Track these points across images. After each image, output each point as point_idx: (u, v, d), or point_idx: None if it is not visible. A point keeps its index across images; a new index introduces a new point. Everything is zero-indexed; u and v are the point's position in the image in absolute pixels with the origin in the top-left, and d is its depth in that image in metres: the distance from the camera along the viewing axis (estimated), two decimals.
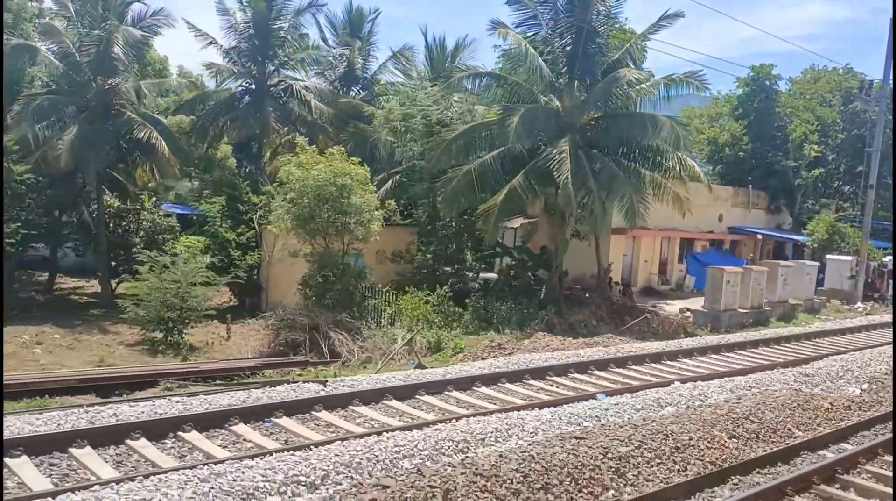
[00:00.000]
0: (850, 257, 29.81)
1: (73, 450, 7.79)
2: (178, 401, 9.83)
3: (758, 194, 35.81)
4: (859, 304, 28.08)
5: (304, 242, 21.55)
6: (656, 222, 27.06)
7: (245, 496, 6.26)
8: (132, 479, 6.74)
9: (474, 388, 11.18)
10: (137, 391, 13.14)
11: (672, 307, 25.63)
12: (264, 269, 25.58)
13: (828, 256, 30.47)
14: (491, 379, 11.55)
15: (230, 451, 8.03)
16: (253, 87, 30.30)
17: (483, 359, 14.40)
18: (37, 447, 7.75)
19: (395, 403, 10.10)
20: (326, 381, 11.14)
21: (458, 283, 25.32)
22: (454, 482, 6.36)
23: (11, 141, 22.18)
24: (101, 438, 8.24)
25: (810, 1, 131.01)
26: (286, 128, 30.39)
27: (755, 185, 35.99)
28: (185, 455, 7.99)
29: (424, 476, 6.47)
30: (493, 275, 27.26)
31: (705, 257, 32.35)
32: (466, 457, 7.30)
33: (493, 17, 34.39)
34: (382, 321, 21.21)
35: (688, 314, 23.87)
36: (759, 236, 33.36)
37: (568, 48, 21.48)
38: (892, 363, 14.84)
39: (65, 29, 24.40)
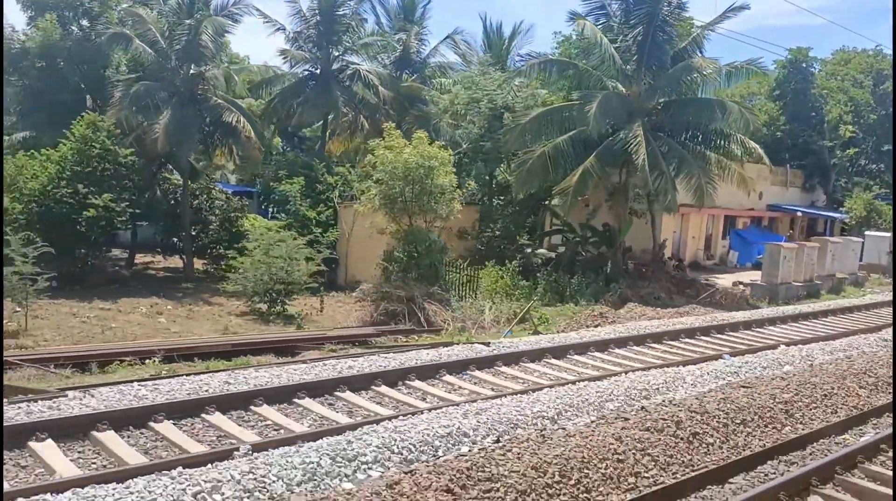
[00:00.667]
0: (888, 234, 31.26)
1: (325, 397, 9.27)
2: (356, 361, 11.25)
3: (794, 173, 37.16)
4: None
5: (389, 220, 22.96)
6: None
7: (513, 424, 7.77)
8: (401, 416, 8.22)
9: (610, 350, 12.69)
10: (287, 356, 14.64)
11: (723, 281, 27.07)
12: (342, 245, 27.05)
13: (867, 232, 31.91)
14: (621, 343, 13.07)
15: (461, 396, 9.51)
16: (318, 71, 31.53)
17: (594, 327, 15.87)
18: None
19: (553, 361, 11.61)
20: (489, 343, 12.68)
21: (521, 259, 26.80)
22: (678, 416, 7.88)
23: (110, 123, 23.55)
24: (317, 390, 9.61)
25: None
26: (352, 112, 31.59)
27: (791, 164, 37.33)
28: (426, 398, 9.45)
29: (651, 413, 7.99)
30: (542, 251, 28.67)
31: (747, 233, 33.83)
32: (667, 398, 8.83)
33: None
34: (465, 293, 22.80)
35: (742, 286, 25.38)
36: (799, 214, 34.77)
37: (639, 38, 22.72)
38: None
39: (151, 17, 25.63)
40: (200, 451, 7.01)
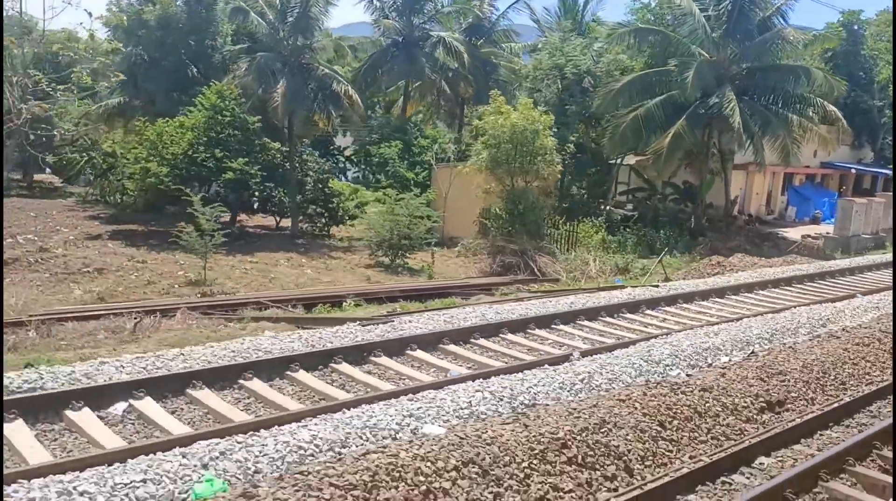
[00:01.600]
0: None
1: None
2: (542, 302, 13.15)
3: (844, 131, 38.64)
4: None
5: (494, 180, 24.80)
6: (770, 159, 30.22)
7: (745, 342, 9.77)
8: (660, 335, 10.19)
9: (757, 291, 14.61)
10: (437, 300, 16.59)
11: (791, 234, 28.91)
12: (438, 204, 28.93)
13: None
14: (763, 285, 14.99)
15: (673, 324, 11.45)
16: (401, 40, 33.07)
17: (715, 275, 17.81)
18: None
19: (718, 299, 13.56)
20: (658, 285, 14.67)
21: (605, 215, 28.66)
22: (875, 335, 9.88)
23: (236, 93, 25.33)
24: (543, 322, 11.48)
25: None
26: (437, 77, 33.19)
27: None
28: (647, 327, 11.39)
29: (851, 333, 9.98)
30: (614, 209, 30.48)
31: (803, 189, 35.57)
32: (846, 325, 10.83)
33: None
34: (563, 247, 24.79)
35: (812, 239, 27.22)
36: (853, 171, 36.41)
37: (728, 7, 24.24)
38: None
39: None
40: (551, 352, 9.20)
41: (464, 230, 26.88)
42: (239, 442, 5.56)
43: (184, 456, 5.24)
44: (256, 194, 26.70)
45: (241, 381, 7.60)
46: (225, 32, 29.09)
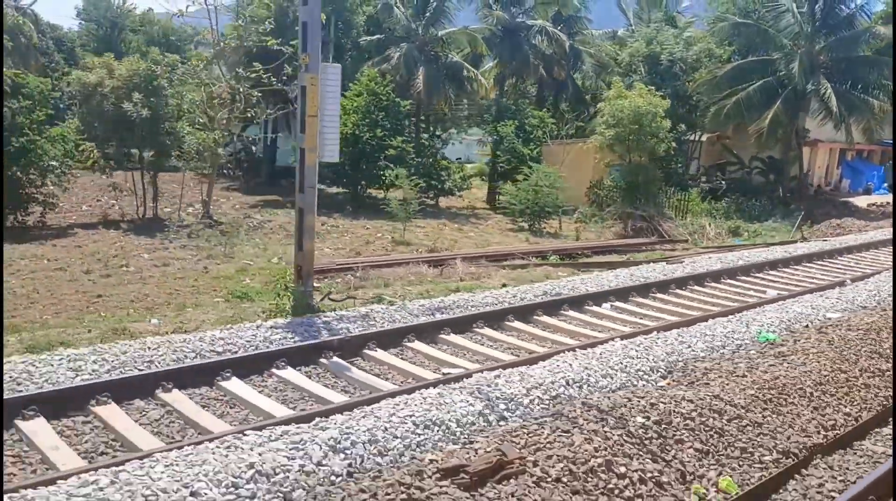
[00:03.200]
0: None
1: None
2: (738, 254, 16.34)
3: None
4: None
5: (615, 156, 27.88)
6: (830, 135, 33.31)
7: None
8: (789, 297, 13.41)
9: None
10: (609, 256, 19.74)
11: (856, 202, 32.13)
12: None
13: None
14: None
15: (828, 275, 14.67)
16: (500, 29, 35.81)
17: (843, 235, 21.02)
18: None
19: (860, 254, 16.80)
20: (800, 240, 17.93)
21: (703, 185, 31.72)
22: None
23: (391, 79, 28.19)
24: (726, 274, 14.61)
25: None
26: (538, 63, 35.96)
27: None
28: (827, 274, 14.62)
29: None
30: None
31: (855, 164, 38.74)
32: None
33: None
34: (675, 215, 27.94)
35: (876, 206, 30.44)
36: None
37: (818, 5, 27.18)
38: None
39: None
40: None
41: (573, 201, 29.94)
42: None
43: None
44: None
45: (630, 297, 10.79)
46: (358, 23, 31.81)
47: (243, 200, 29.43)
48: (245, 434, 4.86)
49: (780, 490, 5.09)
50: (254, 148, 35.06)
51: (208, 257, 17.68)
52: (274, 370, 6.80)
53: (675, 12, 36.12)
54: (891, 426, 6.27)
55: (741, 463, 5.19)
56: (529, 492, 4.38)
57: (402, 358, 7.55)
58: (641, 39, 32.79)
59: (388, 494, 4.17)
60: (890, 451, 5.64)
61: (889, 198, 32.41)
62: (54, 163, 18.64)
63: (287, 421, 5.33)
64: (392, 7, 29.14)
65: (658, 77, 32.26)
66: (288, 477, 4.32)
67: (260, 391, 6.46)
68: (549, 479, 4.50)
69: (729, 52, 31.19)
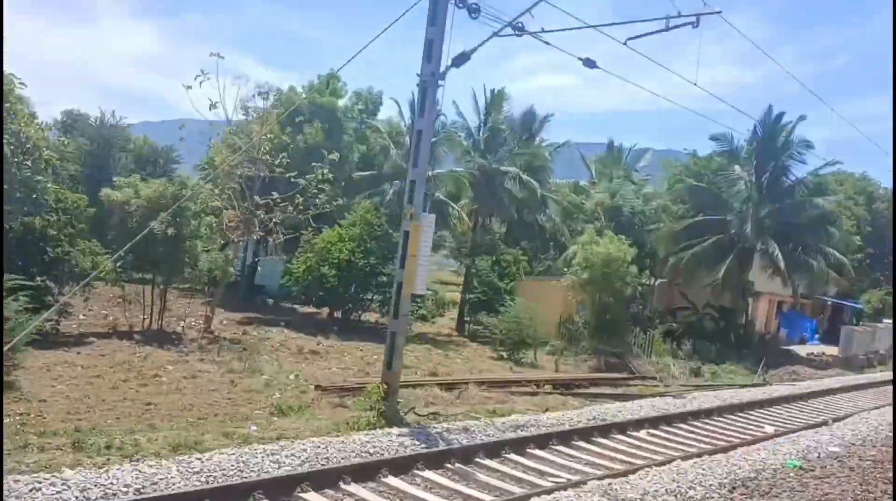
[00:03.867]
0: None
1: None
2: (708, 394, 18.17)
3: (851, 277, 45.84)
4: None
5: (585, 295, 30.08)
6: (769, 288, 36.61)
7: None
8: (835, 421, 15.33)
9: (859, 390, 20.01)
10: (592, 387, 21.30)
11: (798, 352, 34.92)
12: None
13: (884, 320, 40.63)
14: (861, 387, 20.45)
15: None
16: (479, 173, 38.78)
17: (801, 381, 23.19)
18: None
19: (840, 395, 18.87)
20: (765, 384, 19.92)
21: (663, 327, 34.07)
22: None
23: (382, 215, 30.17)
24: (728, 410, 16.49)
25: (715, 64, 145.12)
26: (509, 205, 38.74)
27: None
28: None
29: None
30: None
31: (790, 315, 42.15)
32: None
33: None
34: (639, 353, 29.95)
35: (815, 355, 33.25)
36: (830, 303, 43.43)
37: (764, 176, 30.96)
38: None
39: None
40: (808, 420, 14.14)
41: (543, 335, 31.69)
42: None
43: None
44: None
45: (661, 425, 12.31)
46: (352, 160, 34.18)
47: (227, 316, 30.07)
48: None
49: None
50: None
51: (230, 372, 18.44)
52: (415, 471, 7.96)
53: (634, 170, 39.95)
54: None
55: None
56: None
57: (507, 466, 8.79)
58: (606, 192, 36.05)
59: None
60: None
61: (823, 348, 35.43)
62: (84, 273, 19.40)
63: None
64: (389, 148, 31.65)
65: (620, 226, 35.31)
66: None
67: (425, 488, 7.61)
68: None
69: (683, 209, 34.60)
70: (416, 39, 11.10)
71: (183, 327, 23.85)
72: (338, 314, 30.17)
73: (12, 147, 17.18)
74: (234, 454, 7.71)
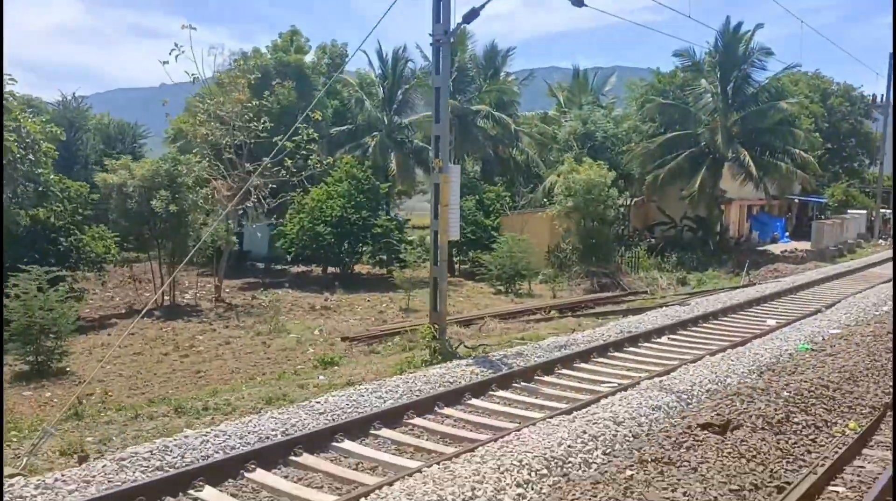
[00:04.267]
0: (864, 212, 42.13)
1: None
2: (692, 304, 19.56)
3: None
4: (880, 240, 40.46)
5: (571, 221, 31.25)
6: (739, 193, 38.20)
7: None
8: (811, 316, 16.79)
9: (834, 280, 21.57)
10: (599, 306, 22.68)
11: (772, 250, 36.74)
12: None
13: (849, 211, 42.69)
14: (837, 276, 22.00)
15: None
16: (452, 115, 39.30)
17: (782, 277, 24.77)
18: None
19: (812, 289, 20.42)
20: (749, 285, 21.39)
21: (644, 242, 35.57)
22: None
23: (368, 165, 30.77)
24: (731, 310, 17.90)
25: None
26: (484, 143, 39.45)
27: None
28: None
29: None
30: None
31: (761, 217, 43.99)
32: None
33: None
34: (626, 269, 31.41)
35: (789, 253, 35.10)
36: (796, 201, 45.34)
37: (729, 86, 32.05)
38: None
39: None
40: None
41: (533, 265, 32.94)
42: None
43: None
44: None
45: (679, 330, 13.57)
46: (327, 116, 34.42)
47: (227, 283, 30.78)
48: (552, 419, 7.18)
49: (877, 430, 7.79)
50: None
51: (258, 334, 19.33)
52: (491, 393, 9.05)
53: (601, 95, 40.78)
54: None
55: (852, 415, 7.89)
56: (751, 435, 6.90)
57: (565, 380, 9.93)
58: (577, 120, 36.91)
59: (681, 435, 6.61)
60: None
61: (795, 244, 37.31)
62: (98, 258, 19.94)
63: (568, 411, 7.67)
64: (363, 101, 32.00)
65: (593, 152, 36.36)
66: (606, 436, 6.68)
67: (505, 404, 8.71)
68: (758, 427, 7.05)
69: (653, 127, 35.67)
70: None
71: (196, 298, 24.56)
72: (333, 270, 31.01)
73: (16, 142, 17.46)
74: (338, 395, 8.71)
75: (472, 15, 11.16)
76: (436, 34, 11.29)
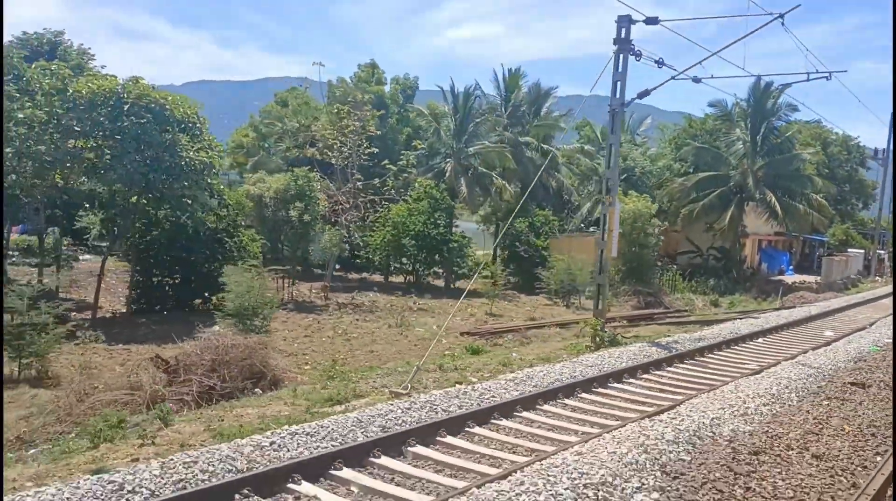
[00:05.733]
0: (862, 251, 46.49)
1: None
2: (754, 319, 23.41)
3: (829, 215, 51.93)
4: (878, 277, 44.79)
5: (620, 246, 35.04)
6: (754, 229, 42.37)
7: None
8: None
9: (857, 308, 25.50)
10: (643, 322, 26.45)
11: (785, 281, 40.84)
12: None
13: (849, 250, 47.03)
14: (859, 304, 25.93)
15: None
16: (509, 146, 43.18)
17: (808, 304, 28.68)
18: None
19: (843, 313, 24.32)
20: (778, 310, 25.27)
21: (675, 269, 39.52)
22: None
23: (441, 189, 34.49)
24: (796, 324, 21.73)
25: (637, 6, 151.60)
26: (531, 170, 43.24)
27: None
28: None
29: None
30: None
31: (769, 251, 48.24)
32: None
33: None
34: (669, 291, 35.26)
35: (801, 284, 39.17)
36: (800, 238, 49.65)
37: (758, 135, 36.25)
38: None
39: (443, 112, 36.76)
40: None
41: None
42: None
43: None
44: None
45: (768, 334, 17.32)
46: (401, 141, 38.19)
47: (311, 284, 34.25)
48: (748, 378, 10.89)
49: None
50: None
51: (389, 327, 22.85)
52: (677, 364, 12.72)
53: (635, 135, 44.97)
54: None
55: None
56: (879, 390, 10.67)
57: (721, 360, 13.63)
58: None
59: (839, 388, 10.38)
60: None
61: (802, 277, 41.43)
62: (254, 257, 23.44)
63: (755, 372, 11.40)
64: (440, 132, 35.83)
65: (631, 184, 40.41)
66: (792, 386, 10.40)
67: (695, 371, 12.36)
68: (882, 386, 10.82)
69: (685, 166, 39.79)
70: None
71: (310, 296, 28.02)
72: (410, 279, 34.59)
73: (201, 165, 20.78)
74: (547, 368, 12.33)
75: (644, 94, 14.95)
76: (613, 105, 15.06)
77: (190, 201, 20.72)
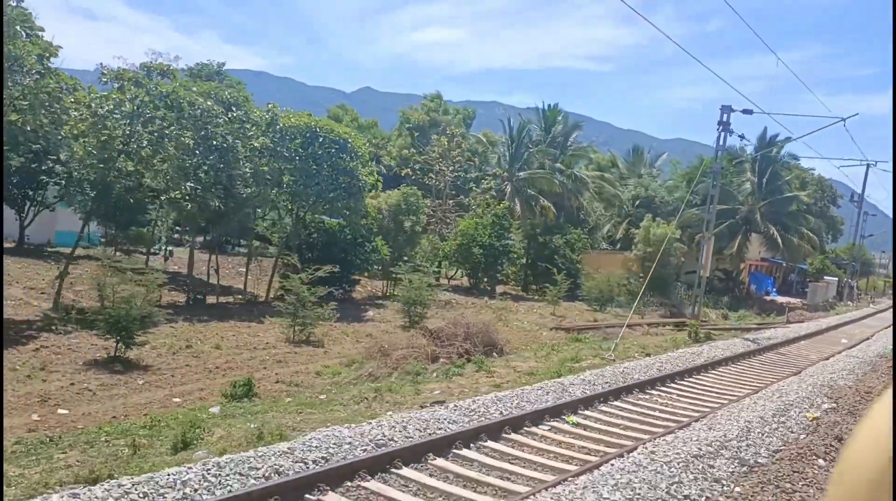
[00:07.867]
0: (835, 279, 53.20)
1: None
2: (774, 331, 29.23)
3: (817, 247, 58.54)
4: (849, 302, 51.45)
5: (637, 262, 40.86)
6: (749, 255, 48.61)
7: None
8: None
9: (851, 325, 31.50)
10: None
11: (778, 301, 47.10)
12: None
13: (825, 277, 53.68)
14: (853, 320, 31.96)
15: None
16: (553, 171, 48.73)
17: (806, 321, 34.71)
18: None
19: (845, 327, 30.28)
20: (791, 321, 31.18)
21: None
22: None
23: (505, 207, 39.92)
24: (816, 334, 27.56)
25: (599, 24, 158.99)
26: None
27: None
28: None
29: None
30: None
31: (757, 274, 54.68)
32: None
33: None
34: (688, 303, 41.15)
35: (791, 303, 45.45)
36: (783, 264, 56.17)
37: (764, 178, 42.44)
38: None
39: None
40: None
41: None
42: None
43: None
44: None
45: (800, 340, 23.01)
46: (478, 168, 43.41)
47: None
48: (823, 362, 16.53)
49: None
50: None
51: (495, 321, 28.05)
52: (766, 353, 18.24)
53: (653, 167, 51.03)
54: None
55: None
56: None
57: (797, 350, 19.18)
58: (640, 187, 46.89)
59: (886, 369, 16.15)
60: None
61: (787, 299, 47.81)
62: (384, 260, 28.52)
63: (826, 358, 17.02)
64: (499, 158, 41.26)
65: (651, 213, 46.30)
66: (848, 369, 16.07)
67: (784, 357, 17.93)
68: None
69: (698, 199, 45.78)
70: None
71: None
72: (471, 282, 39.85)
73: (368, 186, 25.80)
74: (664, 357, 17.74)
75: (740, 162, 20.53)
76: (714, 169, 20.68)
77: (347, 212, 25.66)
